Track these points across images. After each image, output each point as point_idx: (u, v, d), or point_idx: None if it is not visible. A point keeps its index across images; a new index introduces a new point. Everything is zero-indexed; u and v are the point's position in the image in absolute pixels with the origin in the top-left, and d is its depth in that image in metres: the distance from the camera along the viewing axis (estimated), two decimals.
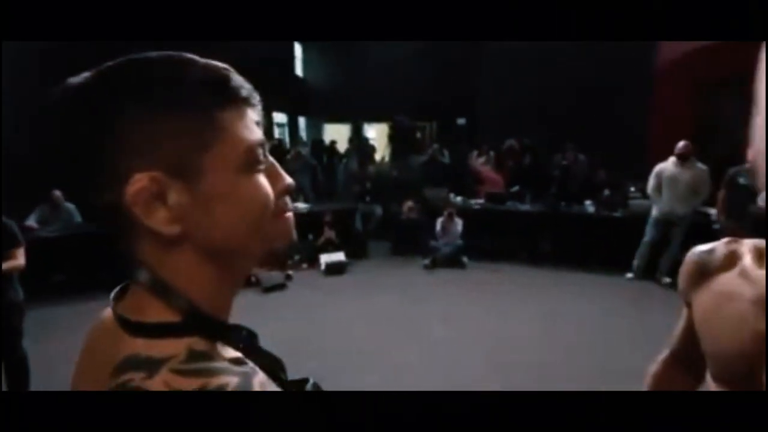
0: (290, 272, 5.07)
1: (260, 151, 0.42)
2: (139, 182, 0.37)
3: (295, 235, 0.47)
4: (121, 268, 0.44)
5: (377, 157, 9.03)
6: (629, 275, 5.14)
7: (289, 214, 0.46)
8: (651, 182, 4.93)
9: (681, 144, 4.79)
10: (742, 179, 4.57)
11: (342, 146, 9.58)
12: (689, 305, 0.79)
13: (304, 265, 5.48)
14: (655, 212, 4.92)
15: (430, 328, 3.92)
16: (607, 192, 5.86)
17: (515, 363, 3.33)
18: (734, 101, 8.04)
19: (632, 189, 5.89)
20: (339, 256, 5.48)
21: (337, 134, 11.27)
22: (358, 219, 6.29)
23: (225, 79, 0.41)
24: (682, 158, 4.74)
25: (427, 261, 5.61)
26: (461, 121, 9.98)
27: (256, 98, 0.44)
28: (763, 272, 0.67)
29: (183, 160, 0.39)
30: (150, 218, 0.38)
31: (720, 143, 6.31)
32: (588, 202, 5.86)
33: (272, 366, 0.46)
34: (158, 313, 0.40)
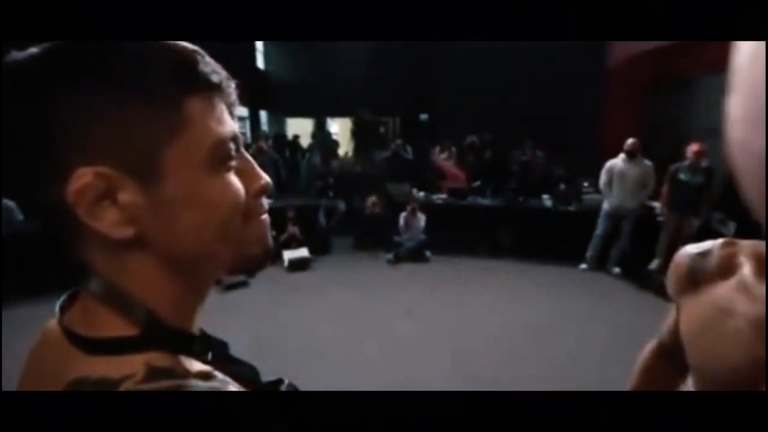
0: None
1: (231, 145, 0.37)
2: (82, 178, 0.32)
3: (270, 240, 0.43)
4: (70, 272, 0.39)
5: (340, 152, 8.99)
6: (583, 266, 5.38)
7: (265, 217, 0.41)
8: (602, 178, 5.18)
9: (629, 141, 5.05)
10: (683, 175, 4.89)
11: (305, 141, 9.46)
12: (678, 307, 0.73)
13: None
14: (606, 206, 5.17)
15: (394, 323, 3.96)
16: (562, 187, 6.10)
17: (478, 353, 3.43)
18: (677, 103, 8.59)
19: (585, 184, 6.15)
20: (302, 252, 5.43)
21: (300, 128, 11.11)
22: (321, 214, 6.25)
23: (193, 63, 0.35)
24: (630, 155, 5.01)
25: (390, 256, 5.65)
26: (424, 117, 10.08)
27: (229, 86, 0.38)
28: (764, 287, 0.58)
29: (138, 155, 0.33)
30: (95, 219, 0.33)
31: (663, 141, 6.72)
32: (545, 197, 6.08)
33: (247, 375, 0.42)
34: (113, 326, 0.36)
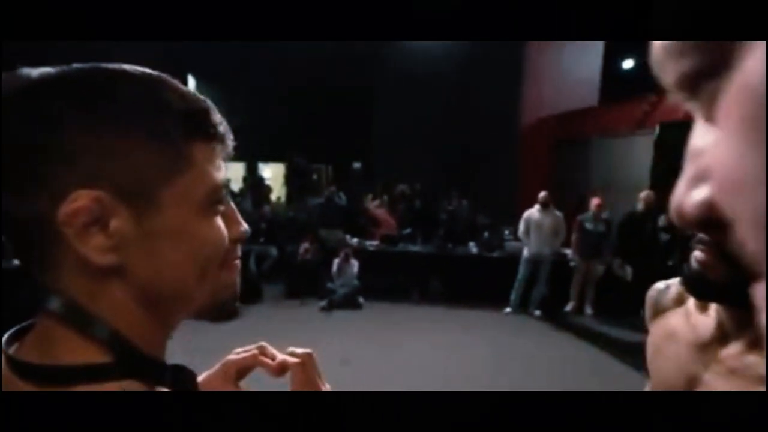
0: None
1: (224, 192, 0.39)
2: (80, 200, 0.32)
3: (239, 287, 0.43)
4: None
5: (273, 197, 8.88)
6: (507, 310, 5.70)
7: (238, 263, 0.42)
8: (521, 227, 5.64)
9: (542, 194, 5.59)
10: (588, 224, 5.50)
11: (236, 185, 9.24)
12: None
13: None
14: (525, 253, 5.60)
15: (329, 371, 3.87)
16: (486, 235, 6.52)
17: None
18: (576, 161, 9.68)
19: (507, 232, 6.63)
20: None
21: (231, 172, 10.84)
22: (252, 261, 6.06)
23: (204, 112, 0.37)
24: (544, 206, 5.53)
25: (323, 303, 5.58)
26: (357, 165, 10.36)
27: (230, 138, 0.40)
28: (704, 317, 0.66)
29: (137, 185, 0.34)
30: (83, 243, 0.33)
31: (567, 195, 7.54)
32: (471, 244, 6.45)
33: None
34: (75, 351, 0.33)
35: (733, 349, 0.62)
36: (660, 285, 0.79)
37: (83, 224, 0.32)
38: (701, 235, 0.62)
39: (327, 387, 0.54)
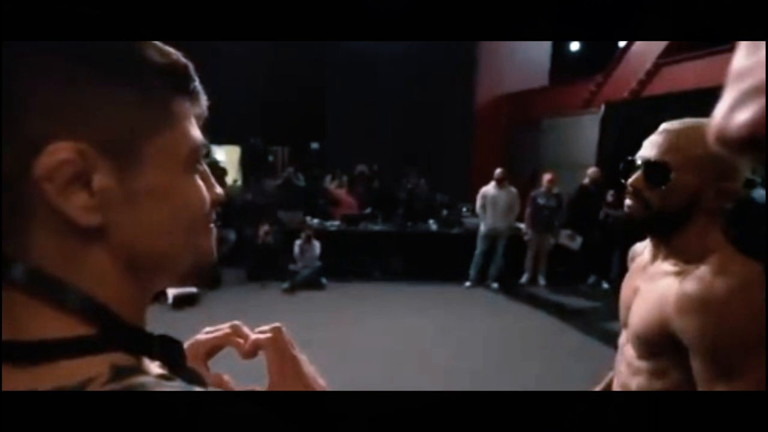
0: None
1: (202, 152, 0.38)
2: (62, 152, 0.29)
3: (215, 253, 0.41)
4: None
5: (228, 180, 8.61)
6: (467, 284, 5.90)
7: (213, 227, 0.40)
8: (478, 203, 5.82)
9: (497, 171, 5.78)
10: (540, 200, 5.75)
11: None
12: None
13: None
14: (482, 228, 5.79)
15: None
16: (445, 212, 6.67)
17: (375, 376, 3.54)
18: (528, 139, 10.02)
19: (464, 209, 6.81)
20: (188, 287, 5.03)
21: None
22: None
23: (184, 68, 0.36)
24: (499, 182, 5.72)
25: (286, 285, 5.54)
26: (314, 145, 10.21)
27: (204, 98, 0.39)
28: (647, 251, 0.89)
29: (120, 139, 0.32)
30: (65, 201, 0.30)
31: (519, 172, 7.83)
32: (431, 221, 6.58)
33: (197, 383, 0.39)
34: (48, 325, 0.30)
35: (655, 264, 0.88)
36: (638, 244, 1.01)
37: (66, 180, 0.29)
38: (629, 188, 0.85)
39: (302, 357, 0.54)
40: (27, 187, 0.29)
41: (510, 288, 5.84)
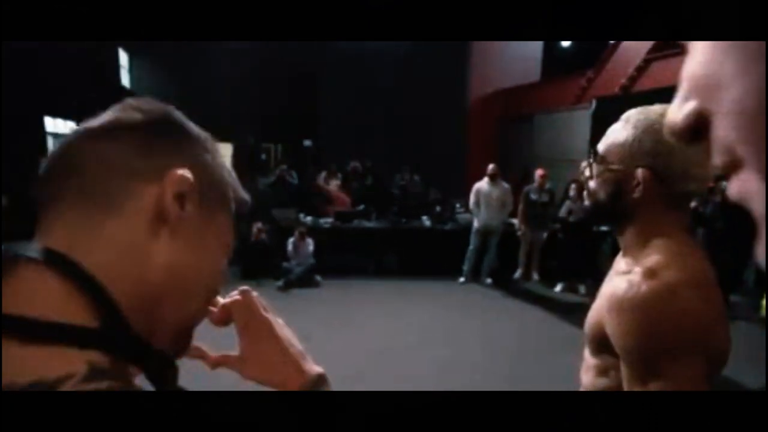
0: None
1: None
2: (185, 174, 0.38)
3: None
4: None
5: None
6: (461, 279, 5.93)
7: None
8: (471, 199, 5.83)
9: (490, 167, 5.80)
10: (533, 195, 5.78)
11: None
12: None
13: None
14: (476, 224, 5.81)
15: None
16: (438, 208, 6.68)
17: (370, 371, 3.55)
18: (520, 135, 10.06)
19: (458, 205, 6.83)
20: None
21: None
22: None
23: (244, 199, 0.47)
24: (492, 178, 5.74)
25: (280, 282, 5.53)
26: (307, 142, 10.17)
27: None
28: (619, 278, 0.78)
29: (211, 198, 0.41)
30: (172, 205, 0.37)
31: (512, 168, 7.86)
32: (424, 217, 6.59)
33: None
34: (57, 307, 0.31)
35: (617, 261, 0.85)
36: None
37: (178, 192, 0.37)
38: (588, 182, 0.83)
39: (277, 320, 0.53)
40: (140, 184, 0.37)
41: (503, 283, 5.88)
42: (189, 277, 0.39)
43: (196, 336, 0.46)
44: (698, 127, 0.21)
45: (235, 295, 0.52)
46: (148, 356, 0.36)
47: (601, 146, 0.81)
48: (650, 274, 0.70)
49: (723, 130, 0.20)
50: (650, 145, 0.75)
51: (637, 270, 0.72)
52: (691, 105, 0.21)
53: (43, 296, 0.31)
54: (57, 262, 0.32)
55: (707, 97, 0.20)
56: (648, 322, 0.67)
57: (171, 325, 0.40)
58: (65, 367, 0.29)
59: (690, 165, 0.74)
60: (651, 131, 0.75)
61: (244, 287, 0.53)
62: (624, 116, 0.81)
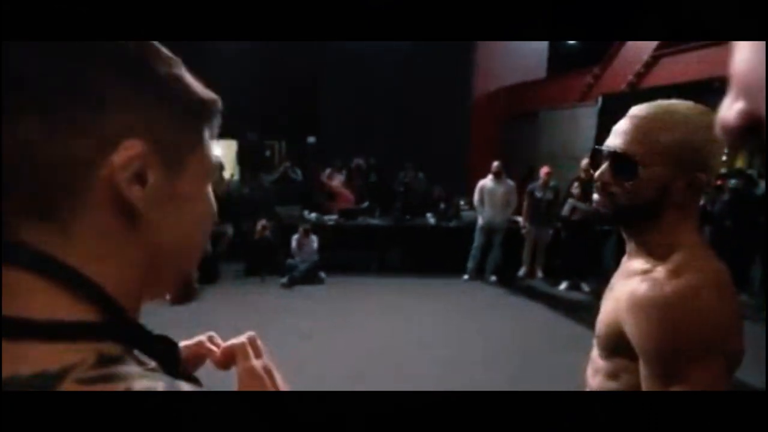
0: None
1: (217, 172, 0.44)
2: (136, 148, 0.33)
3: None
4: None
5: (225, 175, 8.58)
6: (465, 277, 5.92)
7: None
8: (475, 196, 5.81)
9: (495, 164, 5.77)
10: (538, 193, 5.75)
11: None
12: None
13: None
14: (480, 221, 5.80)
15: (294, 347, 3.89)
16: (442, 206, 6.67)
17: (374, 369, 3.55)
18: (525, 132, 9.98)
19: (462, 202, 6.81)
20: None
21: None
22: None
23: (216, 104, 0.42)
24: (497, 175, 5.72)
25: (284, 279, 5.54)
26: (311, 139, 10.17)
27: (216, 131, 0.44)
28: (625, 283, 0.78)
29: (171, 148, 0.36)
30: (129, 191, 0.33)
31: (516, 165, 7.83)
32: (428, 215, 6.58)
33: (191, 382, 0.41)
34: (48, 306, 0.31)
35: (629, 261, 0.83)
36: None
37: (133, 173, 0.33)
38: (597, 185, 0.81)
39: (270, 368, 0.52)
40: (93, 175, 0.32)
41: (507, 281, 5.86)
42: (176, 238, 0.38)
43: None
44: (751, 126, 0.21)
45: (241, 338, 0.53)
46: (151, 342, 0.37)
47: (632, 147, 0.76)
48: (674, 274, 0.70)
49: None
50: (702, 148, 0.74)
51: (660, 270, 0.72)
52: (740, 105, 0.21)
53: (34, 299, 0.31)
54: (43, 265, 0.32)
55: (752, 98, 0.20)
56: (672, 322, 0.67)
57: (169, 282, 0.42)
58: (72, 357, 0.30)
59: (717, 167, 0.76)
60: (699, 132, 0.74)
61: (251, 333, 0.54)
62: (647, 112, 0.77)
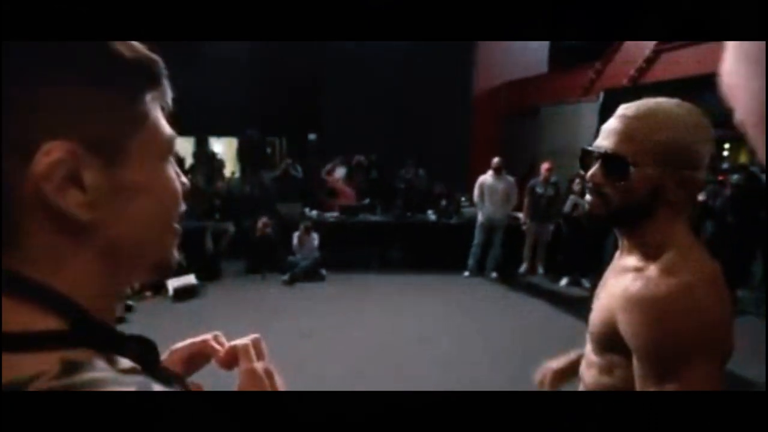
0: (130, 303, 4.47)
1: (174, 144, 0.39)
2: (56, 152, 0.30)
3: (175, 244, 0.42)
4: None
5: (226, 172, 8.59)
6: (466, 273, 5.92)
7: (177, 226, 0.41)
8: (475, 192, 5.80)
9: (495, 160, 5.76)
10: (539, 189, 5.74)
11: (186, 161, 8.82)
12: None
13: (148, 293, 4.88)
14: (480, 218, 5.79)
15: (295, 344, 3.90)
16: (443, 202, 6.66)
17: (375, 366, 3.56)
18: (526, 127, 9.95)
19: (463, 199, 6.81)
20: (188, 279, 5.03)
21: (181, 148, 10.30)
22: (209, 238, 5.88)
23: (152, 62, 0.37)
24: (497, 171, 5.71)
25: (285, 276, 5.55)
26: (312, 136, 10.16)
27: (170, 93, 0.39)
28: (618, 279, 0.79)
29: (107, 138, 0.33)
30: (63, 199, 0.31)
31: (517, 161, 7.81)
32: (429, 212, 6.58)
33: (173, 381, 0.40)
34: (20, 319, 0.30)
35: (622, 258, 0.83)
36: None
37: (62, 178, 0.30)
38: (589, 186, 0.81)
39: (270, 368, 0.51)
40: (21, 186, 0.30)
41: (509, 277, 5.86)
42: (133, 231, 0.35)
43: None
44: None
45: (245, 339, 0.52)
46: (122, 343, 0.36)
47: (623, 147, 0.76)
48: (667, 272, 0.70)
49: (752, 135, 0.20)
50: (691, 146, 0.74)
51: (653, 268, 0.72)
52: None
53: (6, 315, 0.31)
54: (7, 283, 0.31)
55: (740, 109, 0.21)
56: (666, 321, 0.67)
57: (139, 272, 0.39)
58: (37, 367, 0.29)
59: (704, 165, 0.76)
60: (688, 130, 0.74)
61: (256, 335, 0.53)
62: (636, 112, 0.77)
